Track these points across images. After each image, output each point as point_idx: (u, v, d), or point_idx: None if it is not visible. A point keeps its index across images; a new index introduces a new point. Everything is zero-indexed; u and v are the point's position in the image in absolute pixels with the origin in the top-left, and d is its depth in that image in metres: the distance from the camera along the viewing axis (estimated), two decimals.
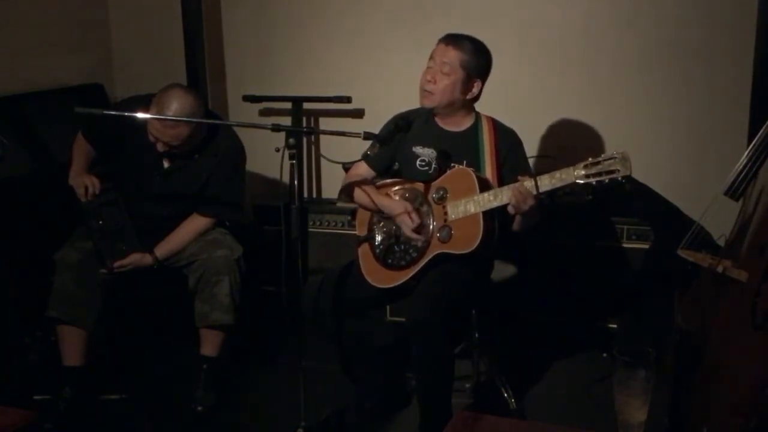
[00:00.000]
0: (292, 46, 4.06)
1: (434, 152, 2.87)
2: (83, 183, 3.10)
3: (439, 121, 2.91)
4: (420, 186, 2.86)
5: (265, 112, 4.12)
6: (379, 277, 2.86)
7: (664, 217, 3.41)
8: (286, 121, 3.88)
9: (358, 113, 3.96)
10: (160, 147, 2.99)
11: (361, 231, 2.98)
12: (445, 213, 2.76)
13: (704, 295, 2.55)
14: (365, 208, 2.95)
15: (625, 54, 3.58)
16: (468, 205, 2.70)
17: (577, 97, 3.67)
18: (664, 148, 3.59)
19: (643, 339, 3.06)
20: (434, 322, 2.61)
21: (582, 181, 2.53)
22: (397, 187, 2.93)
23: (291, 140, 2.50)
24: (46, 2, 3.93)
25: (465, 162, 2.83)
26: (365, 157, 2.89)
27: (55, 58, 3.98)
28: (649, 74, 3.56)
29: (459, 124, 2.90)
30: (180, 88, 2.99)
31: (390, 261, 2.85)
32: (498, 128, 2.89)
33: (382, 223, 2.91)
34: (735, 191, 2.57)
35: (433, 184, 2.83)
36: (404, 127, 2.78)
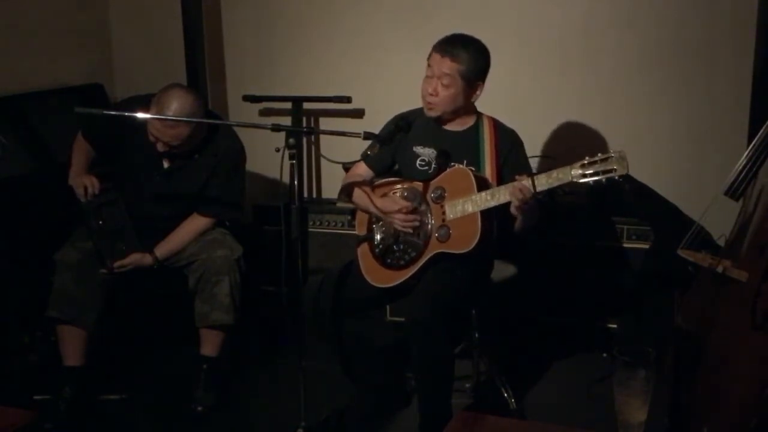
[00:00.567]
0: (292, 46, 4.06)
1: (434, 152, 2.87)
2: (83, 183, 3.10)
3: (436, 120, 2.91)
4: (419, 185, 2.86)
5: (265, 112, 4.12)
6: (378, 277, 2.86)
7: (664, 217, 3.41)
8: (286, 121, 3.88)
9: (358, 113, 3.96)
10: (160, 147, 2.99)
11: (360, 231, 2.98)
12: (443, 212, 2.76)
13: (704, 295, 2.55)
14: (363, 210, 2.95)
15: (625, 54, 3.58)
16: (466, 205, 2.70)
17: (577, 97, 3.67)
18: (664, 148, 3.59)
19: (643, 339, 3.06)
20: (434, 322, 2.61)
21: (579, 181, 2.53)
22: (396, 187, 2.93)
23: (291, 140, 2.50)
24: (46, 2, 3.93)
25: (465, 162, 2.83)
26: (365, 158, 2.88)
27: (55, 58, 3.98)
28: (649, 74, 3.56)
29: (460, 124, 2.89)
30: (180, 88, 2.99)
31: (389, 260, 2.85)
32: (499, 128, 2.89)
33: (381, 223, 2.91)
34: (735, 191, 2.57)
35: (431, 183, 2.83)
36: (404, 128, 2.78)
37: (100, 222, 3.07)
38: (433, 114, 2.83)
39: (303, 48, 4.03)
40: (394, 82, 3.75)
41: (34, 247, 3.27)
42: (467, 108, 2.86)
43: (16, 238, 3.31)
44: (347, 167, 3.13)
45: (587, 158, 2.53)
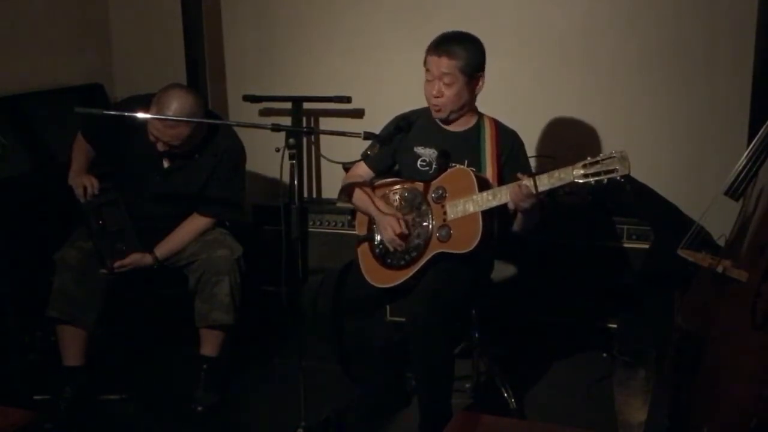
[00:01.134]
0: (292, 46, 4.06)
1: (435, 152, 2.87)
2: (83, 183, 3.10)
3: (441, 122, 2.91)
4: (419, 185, 2.86)
5: (265, 112, 4.12)
6: (378, 277, 2.86)
7: (664, 217, 3.41)
8: (286, 121, 3.88)
9: (358, 113, 3.96)
10: (160, 147, 2.99)
11: (360, 230, 2.98)
12: (444, 212, 2.76)
13: (704, 295, 2.55)
14: (362, 212, 2.95)
15: (625, 54, 3.58)
16: (467, 205, 2.70)
17: (577, 97, 3.67)
18: (664, 148, 3.59)
19: (643, 339, 3.06)
20: (434, 322, 2.61)
21: (581, 181, 2.53)
22: (396, 187, 2.93)
23: (291, 140, 2.50)
24: (46, 2, 3.93)
25: (466, 162, 2.83)
26: (365, 158, 2.88)
27: (55, 58, 3.98)
28: (649, 74, 3.56)
29: (461, 125, 2.89)
30: (180, 88, 2.99)
31: (389, 261, 2.85)
32: (500, 129, 2.89)
33: None
34: (735, 191, 2.57)
35: (432, 183, 2.82)
36: (405, 128, 2.78)
37: (100, 222, 3.07)
38: (442, 116, 2.83)
39: (303, 48, 4.03)
40: (394, 82, 3.75)
41: (34, 247, 3.27)
42: (472, 103, 2.86)
43: (16, 238, 3.30)
44: (347, 167, 3.13)
45: (589, 158, 2.53)
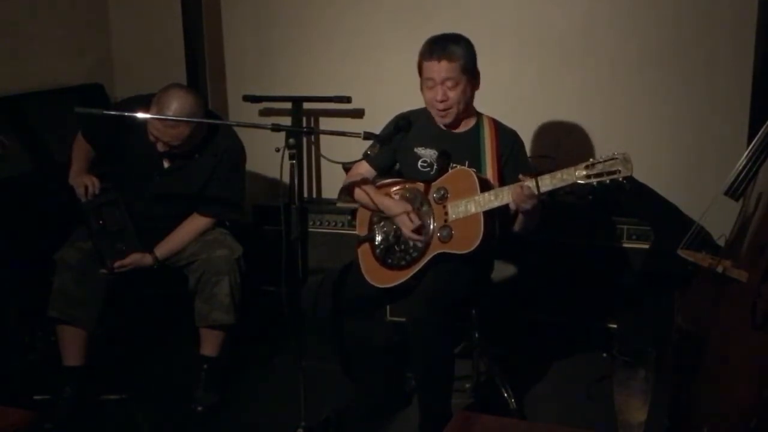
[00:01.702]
0: (292, 46, 4.06)
1: (435, 153, 2.87)
2: (83, 183, 3.11)
3: (451, 125, 2.90)
4: (420, 186, 2.86)
5: (265, 112, 4.12)
6: (379, 277, 2.86)
7: (664, 217, 3.41)
8: (286, 121, 3.88)
9: (358, 113, 3.96)
10: (160, 147, 2.99)
11: (361, 231, 2.98)
12: (446, 213, 2.76)
13: (704, 295, 2.55)
14: (366, 207, 2.95)
15: (625, 54, 3.58)
16: (469, 205, 2.70)
17: (577, 97, 3.67)
18: (664, 148, 3.59)
19: (643, 339, 3.06)
20: (434, 322, 2.61)
21: (583, 182, 2.53)
22: (397, 187, 2.93)
23: (291, 140, 2.50)
24: (46, 2, 3.93)
25: (466, 163, 2.83)
26: (366, 157, 2.88)
27: (55, 58, 3.98)
28: (650, 74, 3.56)
29: (461, 125, 2.89)
30: (180, 88, 2.99)
31: (390, 261, 2.85)
32: (499, 129, 2.89)
33: (382, 223, 2.91)
34: (735, 191, 2.57)
35: (433, 184, 2.82)
36: (405, 127, 2.78)
37: (100, 222, 3.07)
38: (448, 119, 2.83)
39: (303, 48, 4.03)
40: (394, 82, 3.75)
41: (34, 247, 3.27)
42: (472, 101, 2.86)
43: (16, 238, 3.30)
44: (347, 167, 3.13)
45: (591, 159, 2.53)
